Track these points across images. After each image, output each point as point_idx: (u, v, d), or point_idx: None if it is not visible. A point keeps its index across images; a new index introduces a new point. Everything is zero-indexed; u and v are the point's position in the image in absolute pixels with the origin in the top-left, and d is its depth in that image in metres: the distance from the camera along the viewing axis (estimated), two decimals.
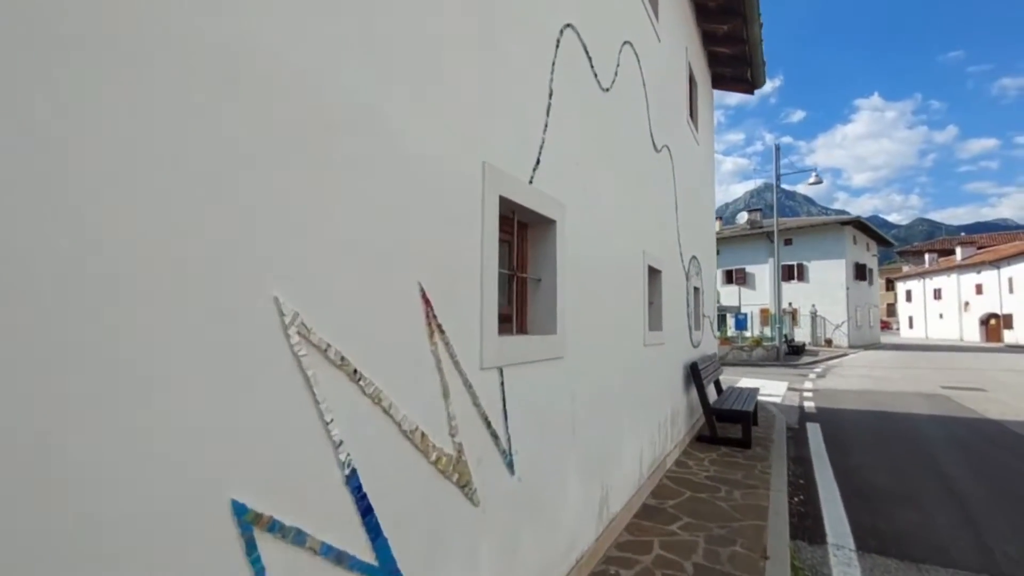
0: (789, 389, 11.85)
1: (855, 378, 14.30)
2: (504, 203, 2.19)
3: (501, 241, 2.44)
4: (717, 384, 7.36)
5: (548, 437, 2.53)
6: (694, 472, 4.94)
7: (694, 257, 6.78)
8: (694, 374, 6.05)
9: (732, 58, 8.63)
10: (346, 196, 1.37)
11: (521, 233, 2.60)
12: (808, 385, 12.63)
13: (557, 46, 2.68)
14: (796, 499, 4.54)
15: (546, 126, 2.52)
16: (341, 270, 1.34)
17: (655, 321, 4.78)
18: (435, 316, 1.70)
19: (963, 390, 11.48)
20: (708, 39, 8.09)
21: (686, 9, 6.62)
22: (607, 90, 3.47)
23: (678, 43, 6.07)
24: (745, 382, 13.07)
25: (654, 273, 4.76)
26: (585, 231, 3.04)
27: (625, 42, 3.87)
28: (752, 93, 9.64)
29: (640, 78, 4.27)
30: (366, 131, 1.44)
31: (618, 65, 3.70)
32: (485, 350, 1.97)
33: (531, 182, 2.37)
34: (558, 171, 2.67)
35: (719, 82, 9.50)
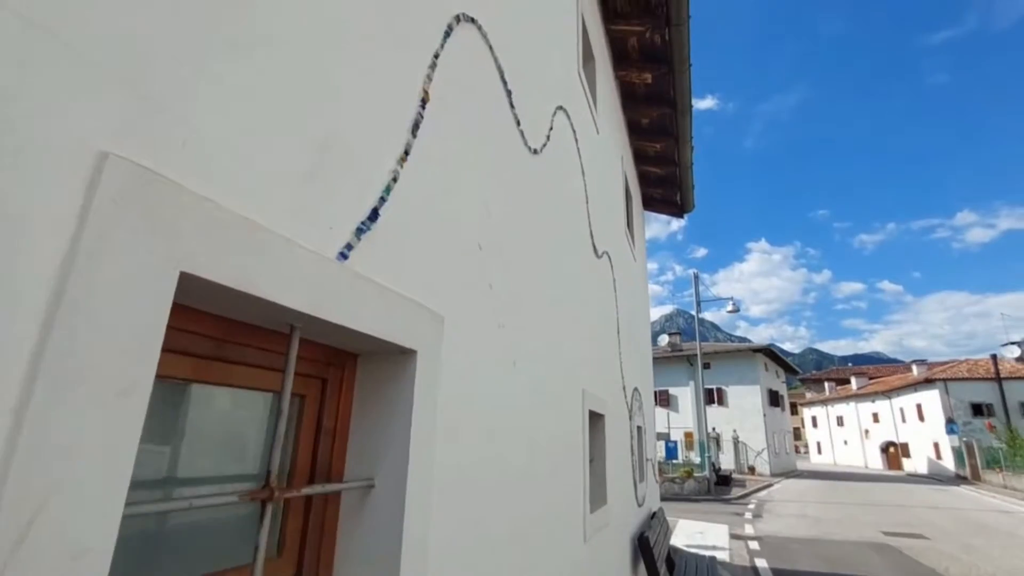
0: (732, 537, 10.62)
1: (792, 518, 13.59)
2: (236, 301, 0.76)
3: (262, 392, 0.97)
4: (669, 559, 5.74)
5: None
6: None
7: (636, 389, 5.56)
8: (644, 554, 4.45)
9: (662, 179, 8.39)
10: None
11: (330, 377, 1.15)
12: (749, 530, 11.64)
13: (446, 36, 1.50)
14: None
15: (406, 154, 1.21)
16: None
17: (598, 493, 3.27)
18: None
19: (905, 537, 11.01)
20: (639, 158, 7.81)
21: (621, 120, 6.18)
22: (536, 152, 2.34)
23: (615, 146, 5.44)
24: (684, 525, 11.72)
25: (595, 419, 3.37)
26: (487, 366, 1.64)
27: (559, 107, 2.89)
28: (682, 216, 9.44)
29: (578, 158, 3.28)
30: None
31: (551, 129, 2.64)
32: None
33: (346, 255, 0.98)
34: (432, 247, 1.32)
35: (649, 203, 9.24)
